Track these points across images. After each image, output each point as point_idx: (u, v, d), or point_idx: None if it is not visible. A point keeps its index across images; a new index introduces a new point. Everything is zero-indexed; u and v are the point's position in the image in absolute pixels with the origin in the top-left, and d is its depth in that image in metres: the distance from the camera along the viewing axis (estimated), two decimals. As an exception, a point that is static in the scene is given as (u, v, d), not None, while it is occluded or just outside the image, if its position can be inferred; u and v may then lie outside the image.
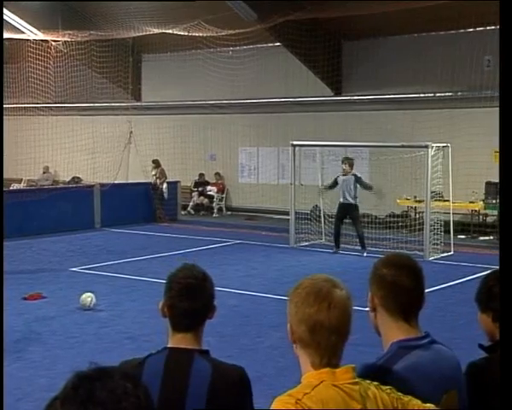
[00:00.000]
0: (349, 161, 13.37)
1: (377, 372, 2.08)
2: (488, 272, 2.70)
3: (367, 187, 13.52)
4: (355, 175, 13.22)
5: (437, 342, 2.29)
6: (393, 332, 2.23)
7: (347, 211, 13.28)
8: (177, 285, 2.44)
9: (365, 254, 12.90)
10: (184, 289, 2.42)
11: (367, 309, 2.34)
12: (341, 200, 13.31)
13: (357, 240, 13.43)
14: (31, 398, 5.99)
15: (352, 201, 13.14)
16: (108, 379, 1.24)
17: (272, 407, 1.81)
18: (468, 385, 2.33)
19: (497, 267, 2.66)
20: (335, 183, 13.49)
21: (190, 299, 2.41)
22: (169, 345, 2.45)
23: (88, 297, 9.01)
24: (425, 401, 1.99)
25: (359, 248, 13.35)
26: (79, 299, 9.02)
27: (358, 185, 13.24)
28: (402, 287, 2.22)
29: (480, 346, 2.53)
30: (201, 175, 20.83)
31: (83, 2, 18.95)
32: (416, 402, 1.95)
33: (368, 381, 1.91)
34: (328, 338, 1.86)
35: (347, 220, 13.60)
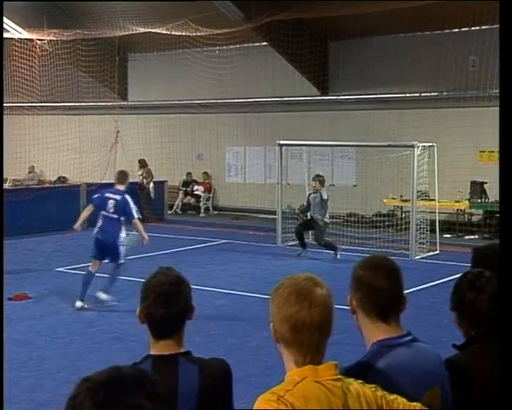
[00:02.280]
0: (319, 179, 13.33)
1: (359, 371, 2.10)
2: (462, 273, 2.74)
3: (323, 214, 13.03)
4: (321, 194, 13.09)
5: (418, 340, 2.32)
6: (373, 333, 2.25)
7: (311, 226, 13.32)
8: (152, 294, 2.41)
9: (338, 256, 12.82)
10: (160, 296, 2.39)
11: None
12: (308, 216, 13.36)
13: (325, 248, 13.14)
14: (16, 399, 5.95)
15: (318, 217, 13.06)
16: (132, 395, 1.24)
17: (255, 404, 1.82)
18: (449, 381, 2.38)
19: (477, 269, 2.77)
20: (308, 203, 13.45)
21: (167, 306, 2.39)
22: (152, 352, 2.43)
23: (133, 237, 9.38)
24: (407, 398, 2.00)
25: (339, 250, 13.07)
26: (125, 241, 9.26)
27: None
28: (378, 288, 2.24)
29: (453, 345, 2.64)
30: (189, 174, 20.80)
31: (68, 1, 18.84)
32: (402, 401, 1.97)
33: (351, 378, 1.93)
34: (310, 337, 1.88)
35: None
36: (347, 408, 1.84)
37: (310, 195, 13.55)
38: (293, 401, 1.78)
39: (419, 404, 2.01)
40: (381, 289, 2.24)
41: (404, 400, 1.98)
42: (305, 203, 13.92)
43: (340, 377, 1.89)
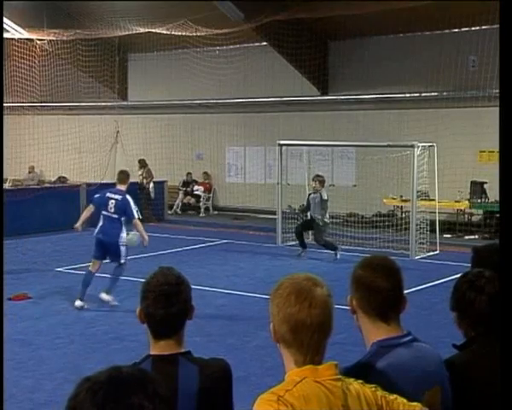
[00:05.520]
0: (319, 179, 13.33)
1: (359, 371, 2.10)
2: (463, 273, 2.74)
3: (323, 214, 12.97)
4: (321, 195, 13.10)
5: (418, 340, 2.32)
6: (373, 333, 2.26)
7: (311, 226, 13.31)
8: (151, 294, 2.42)
9: (338, 256, 12.79)
10: (159, 296, 2.40)
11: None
12: (308, 216, 13.37)
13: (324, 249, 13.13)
14: (16, 399, 5.95)
15: (318, 217, 13.05)
16: (132, 395, 1.23)
17: (255, 404, 1.82)
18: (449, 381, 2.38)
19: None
20: (308, 203, 13.45)
21: (166, 306, 2.39)
22: (152, 352, 2.43)
23: (134, 236, 9.36)
24: (406, 398, 2.00)
25: (339, 250, 13.02)
26: (127, 240, 9.28)
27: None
28: (378, 288, 2.24)
29: (454, 345, 2.64)
30: (189, 174, 20.80)
31: (68, 1, 18.84)
32: (402, 401, 1.97)
33: (351, 378, 1.93)
34: (310, 337, 1.88)
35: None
36: (347, 408, 1.84)
37: (310, 195, 13.59)
38: (293, 402, 1.78)
39: (419, 404, 2.01)
40: (380, 289, 2.24)
41: (405, 400, 1.98)
42: (305, 203, 13.95)
43: (340, 377, 1.89)
